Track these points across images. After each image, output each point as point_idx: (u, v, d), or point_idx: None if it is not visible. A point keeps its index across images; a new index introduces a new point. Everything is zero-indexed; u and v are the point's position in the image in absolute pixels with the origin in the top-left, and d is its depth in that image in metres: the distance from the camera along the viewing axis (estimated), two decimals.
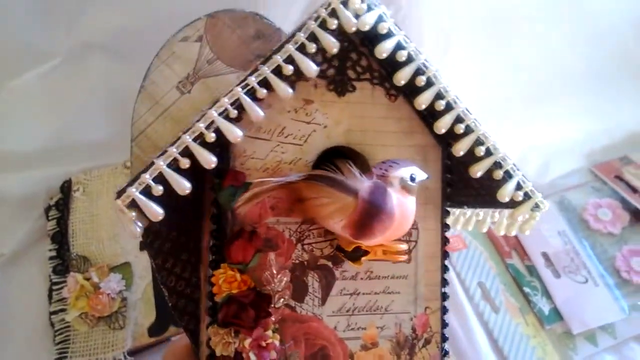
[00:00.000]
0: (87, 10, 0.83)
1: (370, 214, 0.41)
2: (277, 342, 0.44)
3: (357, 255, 0.45)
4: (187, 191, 0.39)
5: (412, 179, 0.43)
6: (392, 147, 0.46)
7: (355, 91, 0.45)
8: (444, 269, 0.49)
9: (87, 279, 0.75)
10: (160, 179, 0.39)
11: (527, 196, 0.45)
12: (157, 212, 0.39)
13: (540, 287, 0.78)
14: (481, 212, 0.53)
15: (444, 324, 0.49)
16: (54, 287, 0.76)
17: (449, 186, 0.48)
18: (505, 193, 0.44)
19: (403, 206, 0.42)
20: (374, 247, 0.45)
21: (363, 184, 0.41)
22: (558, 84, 0.94)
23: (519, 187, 0.44)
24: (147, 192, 0.39)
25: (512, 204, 0.46)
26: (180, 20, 0.48)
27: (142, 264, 0.77)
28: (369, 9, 0.40)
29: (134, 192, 0.38)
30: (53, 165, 0.86)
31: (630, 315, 0.75)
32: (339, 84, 0.45)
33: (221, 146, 0.41)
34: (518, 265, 0.80)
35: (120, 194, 0.39)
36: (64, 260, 0.78)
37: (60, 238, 0.80)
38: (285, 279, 0.45)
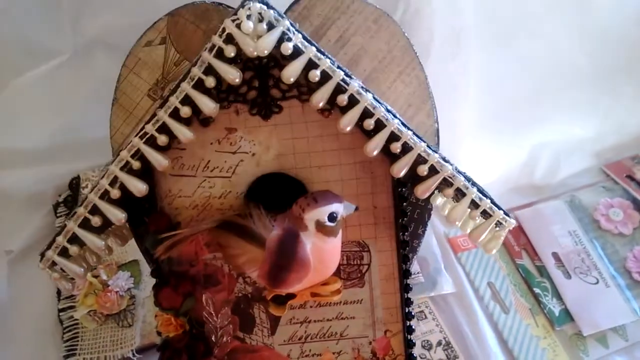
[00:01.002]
0: (93, 7, 0.83)
1: (280, 265, 0.39)
2: None
3: (280, 300, 0.43)
4: (123, 220, 0.40)
5: (332, 218, 0.39)
6: (333, 166, 0.43)
7: (282, 111, 0.41)
8: (405, 288, 0.46)
9: (96, 277, 0.74)
10: (74, 237, 0.40)
11: (486, 214, 0.41)
12: (77, 270, 0.40)
13: (550, 287, 0.77)
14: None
15: (409, 344, 0.48)
16: None
17: (404, 200, 0.44)
18: (456, 215, 0.40)
19: (320, 251, 0.40)
20: (300, 290, 0.43)
21: (271, 234, 0.39)
22: (568, 82, 0.93)
23: (474, 205, 0.40)
24: (64, 253, 0.40)
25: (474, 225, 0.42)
26: None
27: None
28: (270, 27, 0.36)
29: (52, 255, 0.40)
30: (61, 162, 0.86)
31: None
32: (263, 107, 0.41)
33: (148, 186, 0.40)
34: (528, 266, 0.80)
35: (41, 257, 0.41)
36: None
37: None
38: (226, 316, 0.44)
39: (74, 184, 0.85)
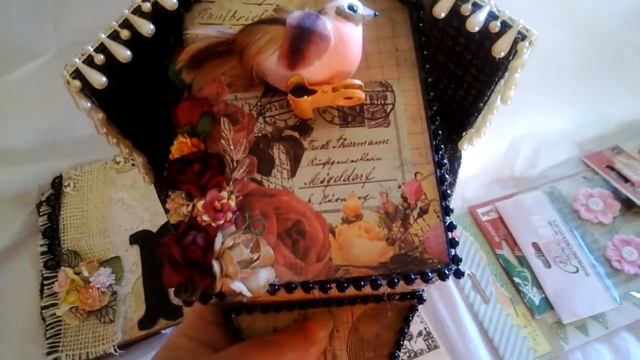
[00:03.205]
0: (76, 7, 0.83)
1: (300, 37, 0.39)
2: (232, 204, 0.40)
3: (300, 90, 0.41)
4: (128, 58, 0.39)
5: (352, 8, 0.41)
6: None
7: None
8: (434, 134, 0.44)
9: (78, 274, 0.75)
10: (101, 48, 0.39)
11: (505, 25, 0.40)
12: (99, 79, 0.39)
13: (530, 277, 0.78)
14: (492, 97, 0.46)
15: (444, 195, 0.43)
16: (45, 282, 0.77)
17: (424, 49, 0.45)
18: (475, 22, 0.39)
19: (340, 31, 0.40)
20: (320, 84, 0.41)
21: (292, 14, 0.40)
22: (549, 74, 0.94)
23: (493, 16, 0.40)
24: (89, 61, 0.39)
25: (495, 39, 0.40)
26: None
27: (132, 258, 0.77)
28: None
29: (77, 61, 0.39)
30: (44, 161, 0.87)
31: (621, 305, 0.75)
32: None
33: (175, 35, 0.41)
34: (508, 256, 0.80)
35: (66, 66, 0.39)
36: (55, 255, 0.78)
37: (52, 233, 0.80)
38: (242, 147, 0.42)
39: (57, 183, 0.85)
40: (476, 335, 0.74)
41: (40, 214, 0.83)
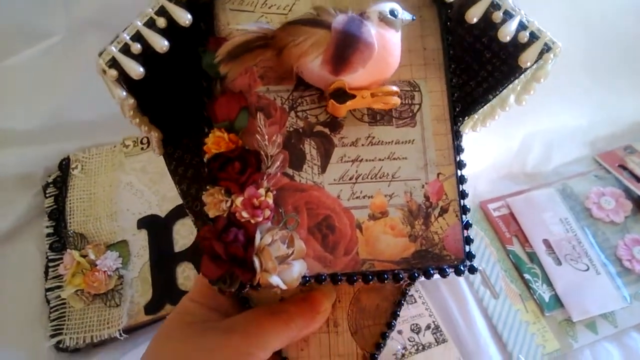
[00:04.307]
0: None
1: (346, 43, 0.39)
2: (270, 201, 0.41)
3: (341, 96, 0.42)
4: (165, 48, 0.39)
5: (393, 14, 0.41)
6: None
7: None
8: (456, 135, 0.46)
9: (84, 256, 0.74)
10: (138, 36, 0.39)
11: (533, 36, 0.41)
12: (136, 69, 0.38)
13: (541, 274, 0.77)
14: (504, 93, 0.48)
15: (463, 194, 0.46)
16: (50, 264, 0.76)
17: (451, 48, 0.46)
18: (507, 32, 0.40)
19: (383, 38, 0.41)
20: (360, 89, 0.42)
21: (337, 17, 0.40)
22: (562, 71, 0.92)
23: (522, 26, 0.41)
24: (126, 50, 0.39)
25: (521, 49, 0.42)
26: None
27: (140, 242, 0.77)
28: None
29: (113, 50, 0.38)
30: (51, 143, 0.86)
31: (631, 304, 0.74)
32: None
33: (205, 21, 0.41)
34: (519, 252, 0.80)
35: (101, 53, 0.39)
36: (60, 237, 0.77)
37: (58, 215, 0.79)
38: (278, 140, 0.43)
39: (64, 165, 0.84)
40: (485, 330, 0.73)
41: (47, 195, 0.82)
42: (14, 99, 0.86)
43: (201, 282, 0.52)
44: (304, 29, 0.40)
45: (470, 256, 0.46)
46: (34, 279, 0.76)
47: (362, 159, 0.45)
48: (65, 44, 0.84)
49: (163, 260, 0.75)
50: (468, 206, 0.46)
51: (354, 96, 0.42)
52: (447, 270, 0.45)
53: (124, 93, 0.39)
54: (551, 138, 0.92)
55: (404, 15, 0.42)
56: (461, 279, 0.78)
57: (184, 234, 0.77)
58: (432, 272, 0.45)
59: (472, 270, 0.46)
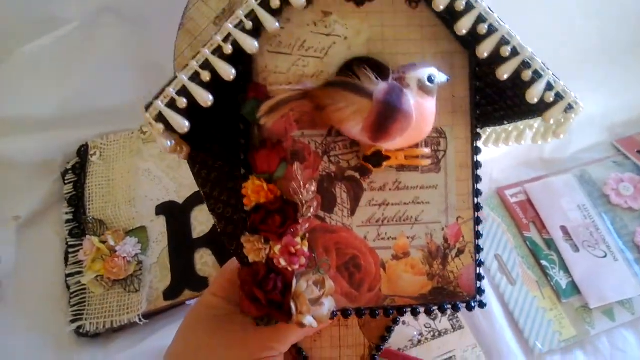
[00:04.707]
0: None
1: (386, 115, 0.41)
2: (306, 249, 0.44)
3: (377, 159, 0.45)
4: (209, 103, 0.40)
5: (430, 80, 0.42)
6: (416, 54, 0.45)
7: (374, 0, 0.44)
8: (476, 179, 0.48)
9: (103, 242, 0.75)
10: (184, 92, 0.40)
11: (559, 96, 0.42)
12: (182, 124, 0.40)
13: (558, 260, 0.77)
14: (521, 125, 0.51)
15: (478, 235, 0.49)
16: (70, 250, 0.77)
17: (478, 93, 0.47)
18: (535, 93, 0.42)
19: (421, 107, 0.42)
20: (394, 151, 0.45)
21: (378, 86, 0.41)
22: (580, 56, 0.92)
23: (549, 87, 0.42)
24: (172, 104, 0.40)
25: (544, 107, 0.43)
26: None
27: (158, 229, 0.77)
28: None
29: (160, 104, 0.39)
30: (70, 129, 0.86)
31: None
32: None
33: (243, 63, 0.42)
34: (536, 239, 0.79)
35: (147, 107, 0.40)
36: (80, 223, 0.78)
37: (77, 201, 0.80)
38: (312, 188, 0.45)
39: (83, 152, 0.84)
40: (501, 316, 0.73)
41: (66, 182, 0.83)
42: (32, 86, 0.86)
43: (222, 277, 0.54)
44: (345, 95, 0.41)
45: (480, 292, 0.50)
46: (54, 265, 0.77)
47: (388, 203, 0.48)
48: (82, 30, 0.84)
49: (181, 246, 0.76)
50: (482, 247, 0.50)
51: (388, 157, 0.45)
52: (459, 305, 0.50)
53: (169, 143, 0.41)
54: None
55: (440, 78, 0.43)
56: None
57: (202, 220, 0.77)
58: (446, 307, 0.49)
59: (482, 305, 0.50)
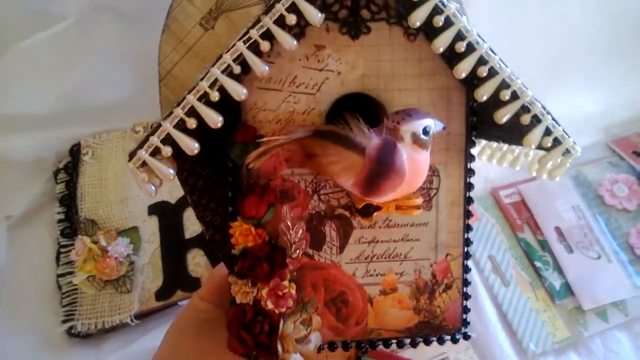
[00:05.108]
0: None
1: (378, 172, 0.40)
2: (293, 291, 0.44)
3: (368, 211, 0.45)
4: (196, 151, 0.39)
5: (426, 132, 0.41)
6: (413, 90, 0.43)
7: (370, 33, 0.42)
8: (467, 215, 0.48)
9: (95, 242, 0.74)
10: (169, 139, 0.39)
11: (557, 142, 0.42)
12: (167, 172, 0.39)
13: (552, 261, 0.77)
14: (517, 149, 0.50)
15: (466, 269, 0.49)
16: (62, 250, 0.76)
17: (474, 129, 0.45)
18: (533, 139, 0.41)
19: (414, 162, 0.41)
20: (386, 202, 0.44)
21: (371, 141, 0.40)
22: (577, 56, 0.92)
23: (548, 132, 0.41)
24: (156, 153, 0.39)
25: (543, 149, 0.43)
26: None
27: (150, 229, 0.77)
28: None
29: (144, 154, 0.39)
30: (62, 128, 0.86)
31: None
32: (353, 26, 0.41)
33: (231, 100, 0.40)
34: (530, 240, 0.79)
35: (131, 156, 0.39)
36: (72, 223, 0.78)
37: (69, 201, 0.80)
38: (300, 230, 0.45)
39: (75, 151, 0.84)
40: (495, 317, 0.73)
41: (58, 181, 0.82)
42: (25, 83, 0.86)
43: (210, 281, 0.54)
44: (336, 149, 0.40)
45: (465, 323, 0.51)
46: (46, 265, 0.77)
47: (378, 240, 0.47)
48: (77, 27, 0.84)
49: (173, 246, 0.76)
50: (469, 280, 0.50)
51: (379, 208, 0.45)
52: (444, 338, 0.50)
53: (153, 188, 0.40)
54: (564, 123, 0.90)
55: (436, 127, 0.42)
56: (471, 265, 0.77)
57: (194, 220, 0.76)
58: (431, 340, 0.50)
59: (467, 337, 0.51)
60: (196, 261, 0.74)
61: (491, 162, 0.54)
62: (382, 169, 0.40)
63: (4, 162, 0.84)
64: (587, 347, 0.71)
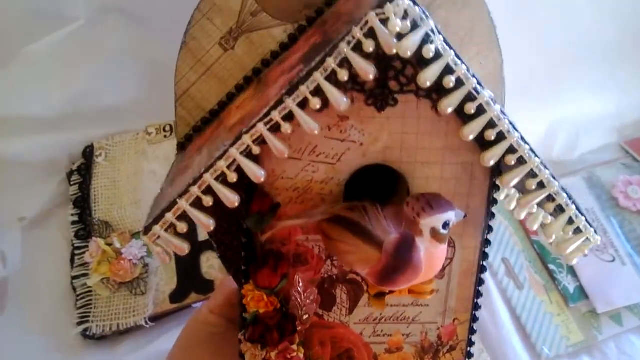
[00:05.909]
0: None
1: (395, 268, 0.39)
2: (302, 355, 0.46)
3: (380, 296, 0.46)
4: (212, 227, 0.39)
5: (445, 226, 0.39)
6: (436, 164, 0.41)
7: (396, 105, 0.39)
8: (479, 282, 0.47)
9: (109, 245, 0.75)
10: (184, 216, 0.38)
11: (578, 231, 0.41)
12: (182, 247, 0.39)
13: (566, 265, 0.77)
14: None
15: (472, 331, 0.49)
16: (76, 252, 0.77)
17: (495, 203, 0.44)
18: (554, 230, 0.40)
19: (431, 257, 0.40)
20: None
21: (389, 236, 0.39)
22: (589, 57, 0.91)
23: (570, 221, 0.40)
24: (171, 229, 0.38)
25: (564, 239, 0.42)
26: None
27: None
28: (414, 26, 0.34)
29: (159, 230, 0.38)
30: (75, 130, 0.86)
31: None
32: (379, 98, 0.39)
33: (248, 179, 0.39)
34: (544, 242, 0.79)
35: (146, 230, 0.39)
36: (86, 225, 0.78)
37: (83, 203, 0.80)
38: (312, 296, 0.45)
39: (88, 152, 0.84)
40: (508, 321, 0.73)
41: (71, 183, 0.82)
42: (37, 85, 0.86)
43: (220, 294, 0.55)
44: (354, 240, 0.39)
45: None
46: (60, 267, 0.77)
47: (388, 304, 0.47)
48: (87, 29, 0.84)
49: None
50: (474, 340, 0.50)
51: (392, 291, 0.45)
52: None
53: (170, 260, 0.41)
54: (577, 125, 0.91)
55: (457, 218, 0.40)
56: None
57: None
58: None
59: None
60: (210, 263, 0.75)
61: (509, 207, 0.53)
62: (398, 264, 0.39)
63: (18, 164, 0.84)
64: (601, 351, 0.71)
